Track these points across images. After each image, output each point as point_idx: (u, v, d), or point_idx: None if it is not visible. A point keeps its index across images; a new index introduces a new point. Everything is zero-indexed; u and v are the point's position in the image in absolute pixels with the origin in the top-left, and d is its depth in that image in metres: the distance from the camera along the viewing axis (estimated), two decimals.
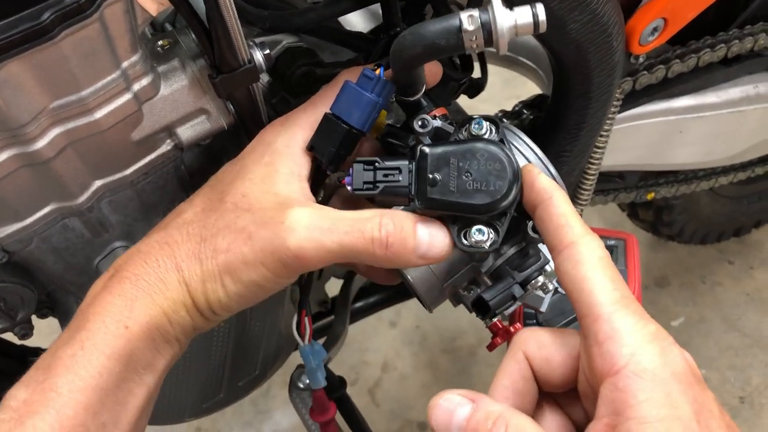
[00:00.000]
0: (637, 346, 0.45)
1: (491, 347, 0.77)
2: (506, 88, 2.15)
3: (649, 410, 0.43)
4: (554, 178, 0.63)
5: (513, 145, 0.63)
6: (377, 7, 0.88)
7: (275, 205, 0.56)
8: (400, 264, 0.56)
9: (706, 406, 0.45)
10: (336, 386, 0.86)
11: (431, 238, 0.55)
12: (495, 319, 0.76)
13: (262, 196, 0.57)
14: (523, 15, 0.52)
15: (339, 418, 0.88)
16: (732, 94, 1.05)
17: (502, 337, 0.76)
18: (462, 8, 0.84)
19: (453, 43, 0.52)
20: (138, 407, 0.55)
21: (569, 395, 0.53)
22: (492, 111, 1.15)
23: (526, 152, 0.63)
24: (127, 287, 0.55)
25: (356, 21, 0.95)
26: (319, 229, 0.53)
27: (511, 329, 0.76)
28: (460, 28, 0.52)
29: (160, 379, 0.57)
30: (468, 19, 0.51)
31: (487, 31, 0.51)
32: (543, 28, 0.52)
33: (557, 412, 0.54)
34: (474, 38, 0.52)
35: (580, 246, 0.50)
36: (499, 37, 0.51)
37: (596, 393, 0.47)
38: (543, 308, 0.68)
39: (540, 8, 0.52)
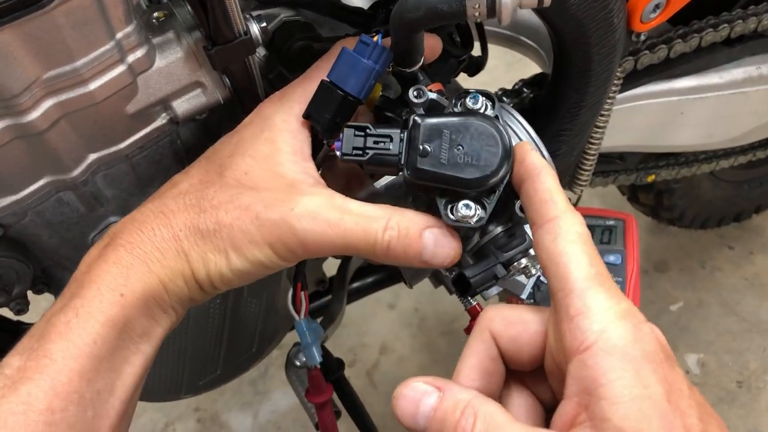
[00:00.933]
0: (607, 323, 0.45)
1: (468, 330, 0.76)
2: (509, 71, 2.13)
3: (621, 390, 0.42)
4: (544, 157, 0.63)
5: (507, 123, 0.62)
6: None
7: (283, 187, 0.55)
8: (399, 264, 0.56)
9: (675, 385, 0.44)
10: (334, 368, 0.86)
11: (436, 247, 0.55)
12: (474, 302, 0.76)
13: (266, 176, 0.56)
14: None
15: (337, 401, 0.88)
16: (735, 75, 1.04)
17: None
18: None
19: (455, 9, 0.52)
20: (133, 375, 0.55)
21: (535, 374, 0.52)
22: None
23: (519, 132, 0.62)
24: (123, 255, 0.54)
25: None
26: (326, 221, 0.53)
27: None
28: None
29: (156, 347, 0.57)
30: None
31: (491, 0, 0.51)
32: (548, 2, 0.51)
33: (524, 391, 0.53)
34: (477, 5, 0.51)
35: (560, 221, 0.49)
36: (502, 6, 0.51)
37: (563, 371, 0.46)
38: (524, 295, 0.67)
39: None
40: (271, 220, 0.54)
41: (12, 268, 0.72)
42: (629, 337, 0.44)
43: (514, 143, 0.54)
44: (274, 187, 0.56)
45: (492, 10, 0.51)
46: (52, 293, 0.82)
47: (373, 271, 1.12)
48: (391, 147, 0.54)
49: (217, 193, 0.56)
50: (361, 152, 0.55)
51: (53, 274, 0.79)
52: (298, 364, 0.86)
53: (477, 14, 0.52)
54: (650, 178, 1.24)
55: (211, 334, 0.80)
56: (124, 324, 0.53)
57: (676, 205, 1.61)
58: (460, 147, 0.53)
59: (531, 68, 1.06)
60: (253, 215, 0.54)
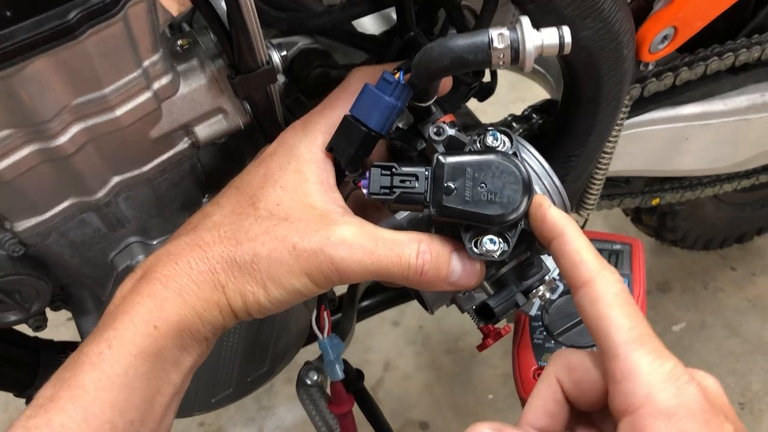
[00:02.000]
0: (652, 386, 0.46)
1: (482, 348, 0.78)
2: (512, 91, 2.16)
3: None
4: (558, 190, 0.65)
5: (521, 155, 0.64)
6: (388, 10, 0.89)
7: (315, 218, 0.57)
8: (427, 288, 0.58)
9: None
10: (354, 379, 0.87)
11: (464, 270, 0.57)
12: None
13: (297, 206, 0.58)
14: (549, 36, 0.53)
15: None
16: (739, 103, 1.06)
17: (493, 338, 0.78)
18: (474, 13, 0.86)
19: (481, 59, 0.54)
20: (165, 405, 0.55)
21: (603, 412, 0.53)
22: (498, 113, 1.16)
23: (532, 163, 0.64)
24: (158, 288, 0.55)
25: (366, 23, 0.97)
26: (362, 248, 0.55)
27: (502, 332, 0.77)
28: (489, 45, 0.53)
29: (188, 377, 0.58)
30: (498, 37, 0.53)
31: (515, 50, 0.53)
32: (568, 49, 0.53)
33: (592, 430, 0.54)
34: (502, 56, 0.53)
35: (596, 283, 0.51)
36: (526, 56, 0.53)
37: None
38: (532, 312, 0.69)
39: (566, 30, 0.53)
40: (309, 250, 0.55)
41: (32, 286, 0.74)
42: (674, 400, 0.46)
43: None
44: (306, 217, 0.57)
45: (515, 59, 0.53)
46: (69, 310, 0.84)
47: (383, 290, 1.13)
48: (416, 185, 0.56)
49: (253, 226, 0.57)
50: (388, 191, 0.56)
51: (71, 292, 0.81)
52: (309, 382, 0.87)
53: (501, 63, 0.54)
54: (655, 201, 1.26)
55: (226, 353, 0.82)
56: (156, 355, 0.54)
57: (679, 227, 1.63)
58: (483, 185, 0.54)
59: (534, 88, 1.08)
60: (290, 246, 0.55)
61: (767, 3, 1.04)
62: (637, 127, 1.00)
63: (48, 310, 0.81)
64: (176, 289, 0.55)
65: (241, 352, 0.83)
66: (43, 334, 0.86)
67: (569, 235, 0.53)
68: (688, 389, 0.46)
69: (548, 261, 0.64)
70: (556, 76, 1.07)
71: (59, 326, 0.84)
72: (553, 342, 0.84)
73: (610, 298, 0.50)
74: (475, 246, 0.56)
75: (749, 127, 1.09)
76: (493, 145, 0.57)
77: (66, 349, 0.93)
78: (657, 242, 1.77)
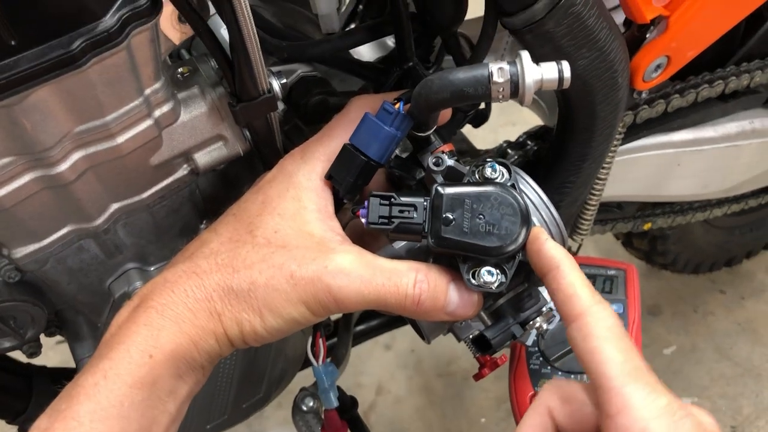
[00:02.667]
0: (647, 421, 0.46)
1: (478, 377, 0.78)
2: (502, 115, 2.18)
3: None
4: (555, 220, 0.65)
5: (518, 186, 0.65)
6: (385, 37, 0.90)
7: (313, 246, 0.57)
8: (424, 318, 0.58)
9: None
10: (348, 406, 0.87)
11: (461, 300, 0.57)
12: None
13: (295, 234, 0.58)
14: (549, 71, 0.54)
15: None
16: (729, 129, 1.07)
17: (489, 368, 0.78)
18: (469, 41, 0.87)
19: (481, 92, 0.54)
20: None
21: None
22: (488, 137, 1.17)
23: (530, 194, 0.64)
24: (154, 316, 0.55)
25: (363, 50, 0.97)
26: (360, 277, 0.55)
27: (498, 361, 0.77)
28: (489, 79, 0.54)
29: (184, 405, 0.57)
30: (498, 72, 0.53)
31: (515, 84, 0.54)
32: (567, 84, 0.54)
33: None
34: (501, 90, 0.54)
35: (589, 317, 0.51)
36: (526, 90, 0.53)
37: None
38: (529, 342, 0.69)
39: (565, 65, 0.54)
40: (306, 279, 0.55)
41: (27, 312, 0.73)
42: None
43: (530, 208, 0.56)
44: (304, 245, 0.57)
45: (515, 93, 0.54)
46: (64, 336, 0.83)
47: (377, 315, 1.13)
48: (415, 216, 0.56)
49: (250, 253, 0.57)
50: (386, 221, 0.57)
51: (66, 318, 0.80)
52: (305, 408, 0.87)
53: (501, 96, 0.54)
54: (647, 226, 1.27)
55: (222, 379, 0.81)
56: (152, 385, 0.53)
57: (670, 251, 1.64)
58: (482, 216, 0.55)
59: (523, 112, 1.09)
60: (288, 274, 0.55)
61: (756, 32, 1.06)
62: (630, 153, 1.01)
63: (41, 335, 0.80)
64: (172, 317, 0.55)
65: (237, 378, 0.82)
66: (36, 361, 0.85)
67: (564, 268, 0.54)
68: (684, 425, 0.47)
69: (545, 292, 0.64)
70: (550, 103, 1.08)
71: (48, 350, 0.83)
72: (549, 368, 0.84)
73: (603, 331, 0.50)
74: (473, 277, 0.56)
75: (739, 153, 1.11)
76: (492, 177, 0.57)
77: (59, 375, 0.92)
78: (647, 266, 1.78)
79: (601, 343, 0.50)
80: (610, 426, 0.47)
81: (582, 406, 0.52)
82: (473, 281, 0.56)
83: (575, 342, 0.51)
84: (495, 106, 0.89)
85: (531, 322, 0.60)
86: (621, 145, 0.97)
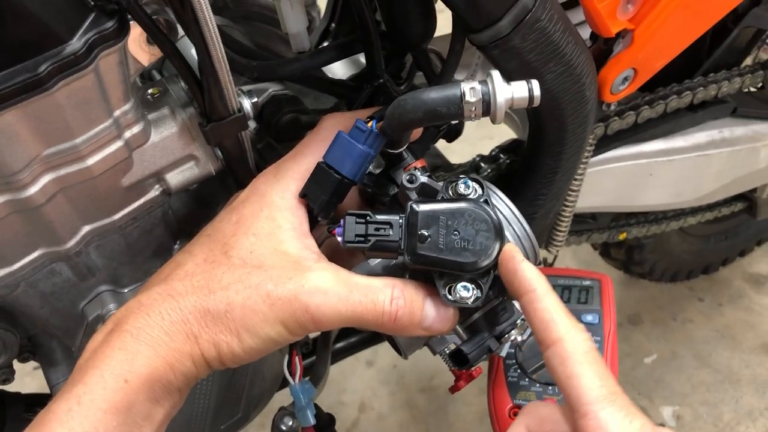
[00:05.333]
0: None
1: (454, 390, 0.78)
2: (479, 129, 2.19)
3: None
4: (528, 234, 0.66)
5: (491, 201, 0.65)
6: (358, 55, 0.91)
7: (289, 265, 0.57)
8: (401, 333, 0.59)
9: None
10: (325, 424, 0.86)
11: (437, 315, 0.58)
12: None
13: (271, 254, 0.58)
14: (519, 89, 0.55)
15: None
16: (699, 139, 1.09)
17: (465, 380, 0.78)
18: (440, 56, 0.88)
19: (453, 111, 0.55)
20: None
21: None
22: (466, 150, 1.18)
23: (502, 209, 0.65)
24: (128, 341, 0.54)
25: (335, 67, 0.98)
26: (337, 295, 0.55)
27: (473, 373, 0.78)
28: (461, 99, 0.55)
29: (160, 429, 0.56)
30: (470, 91, 0.54)
31: (486, 103, 0.55)
32: (537, 102, 0.55)
33: None
34: (474, 109, 0.55)
35: (566, 343, 0.52)
36: (497, 109, 0.55)
37: None
38: (503, 353, 0.70)
39: (535, 84, 0.55)
40: (283, 298, 0.55)
41: None
42: None
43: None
44: (280, 264, 0.57)
45: (487, 111, 0.55)
46: (37, 361, 0.82)
47: (356, 331, 1.13)
48: (391, 233, 0.57)
49: (226, 274, 0.57)
50: (363, 239, 0.57)
51: (40, 342, 0.79)
52: (284, 428, 0.86)
53: (473, 115, 0.55)
54: (622, 236, 1.29)
55: (199, 401, 0.81)
56: (126, 410, 0.53)
57: (647, 260, 1.65)
58: (456, 232, 0.55)
59: (500, 126, 1.10)
60: (264, 294, 0.55)
61: (721, 43, 1.08)
62: (602, 164, 1.02)
63: (15, 362, 0.79)
64: (148, 341, 0.54)
65: (214, 399, 0.82)
66: (9, 387, 0.84)
67: (539, 292, 0.54)
68: None
69: (518, 305, 0.65)
70: (522, 116, 1.09)
71: (24, 376, 0.82)
72: (527, 379, 0.84)
73: (580, 356, 0.51)
74: (449, 293, 0.56)
75: (710, 162, 1.13)
76: (465, 193, 0.58)
77: (33, 402, 0.91)
78: (626, 275, 1.80)
79: (578, 368, 0.51)
80: None
81: (558, 427, 0.53)
82: (449, 297, 0.56)
83: (553, 366, 0.52)
84: (470, 122, 0.90)
85: (506, 335, 0.61)
86: (592, 156, 0.98)
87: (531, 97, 0.55)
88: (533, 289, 0.54)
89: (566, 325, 0.53)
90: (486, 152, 0.98)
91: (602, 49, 0.82)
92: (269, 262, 0.57)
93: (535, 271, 0.55)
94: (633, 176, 1.07)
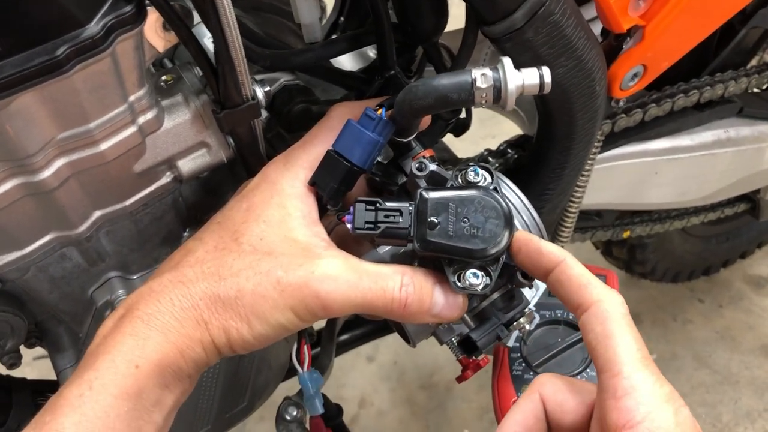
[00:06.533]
0: (654, 405, 0.48)
1: (461, 379, 0.79)
2: (482, 128, 2.20)
3: None
4: (536, 223, 0.66)
5: (501, 191, 0.66)
6: (364, 49, 0.91)
7: (298, 252, 0.57)
8: (411, 320, 0.59)
9: None
10: (334, 413, 0.87)
11: (447, 302, 0.58)
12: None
13: (281, 241, 0.58)
14: (530, 76, 0.55)
15: None
16: (704, 138, 1.09)
17: (473, 370, 0.78)
18: (450, 51, 0.88)
19: (465, 97, 0.55)
20: None
21: None
22: (469, 148, 1.18)
23: (511, 197, 0.65)
24: (139, 326, 0.54)
25: (344, 60, 0.98)
26: (347, 282, 0.55)
27: (481, 363, 0.78)
28: (472, 85, 0.55)
29: (170, 416, 0.57)
30: (481, 77, 0.54)
31: (497, 89, 0.54)
32: (548, 89, 0.55)
33: None
34: (484, 95, 0.55)
35: (605, 304, 0.52)
36: (508, 95, 0.54)
37: None
38: (510, 343, 0.70)
39: (546, 71, 0.55)
40: (293, 285, 0.55)
41: (7, 322, 0.73)
42: (672, 419, 0.48)
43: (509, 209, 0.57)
44: (289, 251, 0.57)
45: (498, 98, 0.55)
46: (44, 347, 0.82)
47: (360, 324, 1.14)
48: (400, 220, 0.57)
49: (236, 261, 0.57)
50: (372, 226, 0.57)
51: (47, 328, 0.80)
52: (288, 418, 0.86)
53: (484, 102, 0.55)
54: (625, 234, 1.29)
55: (205, 389, 0.81)
56: (137, 395, 0.53)
57: (649, 260, 1.66)
58: (466, 219, 0.55)
59: (503, 124, 1.10)
60: (275, 280, 0.55)
61: (728, 43, 1.09)
62: (608, 161, 1.02)
63: (21, 346, 0.79)
64: (158, 327, 0.55)
65: (220, 387, 0.82)
66: (16, 373, 0.84)
67: (569, 261, 0.55)
68: (684, 412, 0.49)
69: (527, 293, 0.65)
70: (529, 112, 1.09)
71: (24, 366, 0.82)
72: (532, 373, 0.85)
73: (619, 318, 0.52)
74: (459, 280, 0.56)
75: (715, 162, 1.13)
76: (475, 181, 0.58)
77: (40, 387, 0.91)
78: (627, 275, 1.80)
79: (617, 329, 0.51)
80: (614, 407, 0.49)
81: (574, 396, 0.54)
82: (459, 284, 0.56)
83: (590, 327, 0.52)
84: (474, 119, 0.90)
85: (515, 323, 0.61)
86: (599, 153, 0.98)
87: (542, 84, 0.55)
88: (562, 259, 0.55)
89: (603, 288, 0.53)
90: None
91: (613, 45, 0.82)
92: (279, 249, 0.58)
93: (556, 246, 0.56)
94: (638, 174, 1.08)
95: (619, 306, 0.52)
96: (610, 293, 0.53)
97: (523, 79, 0.55)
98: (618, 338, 0.51)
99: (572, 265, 0.55)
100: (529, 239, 0.57)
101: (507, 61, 0.55)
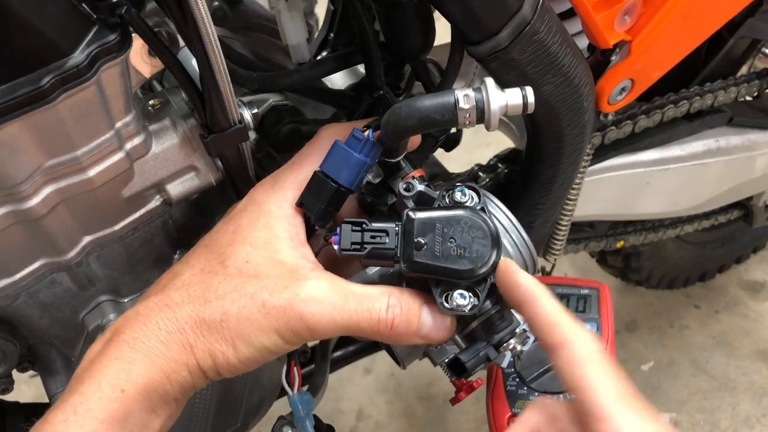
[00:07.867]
0: None
1: (455, 401, 0.78)
2: (476, 137, 2.20)
3: None
4: (525, 242, 0.66)
5: (488, 209, 0.66)
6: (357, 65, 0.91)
7: (284, 274, 0.57)
8: (399, 342, 0.58)
9: None
10: None
11: (434, 323, 0.58)
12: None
13: (266, 263, 0.58)
14: (513, 96, 0.55)
15: None
16: (695, 148, 1.10)
17: (466, 391, 0.78)
18: (439, 67, 0.89)
19: (448, 118, 0.55)
20: None
21: None
22: (463, 157, 1.18)
23: (499, 217, 0.65)
24: (125, 350, 0.54)
25: (335, 77, 0.99)
26: (332, 304, 0.55)
27: (474, 384, 0.78)
28: (455, 106, 0.55)
29: None
30: (464, 98, 0.54)
31: (480, 109, 0.55)
32: (531, 109, 0.55)
33: None
34: (468, 115, 0.55)
35: (575, 344, 0.51)
36: (491, 116, 0.55)
37: None
38: (504, 364, 0.70)
39: (529, 91, 0.55)
40: (278, 307, 0.55)
41: None
42: None
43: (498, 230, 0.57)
44: (275, 273, 0.57)
45: (481, 118, 0.55)
46: (36, 371, 0.82)
47: (355, 340, 1.13)
48: (387, 241, 0.57)
49: (222, 284, 0.57)
50: (359, 247, 0.57)
51: (39, 352, 0.79)
52: None
53: (468, 122, 0.55)
54: (619, 244, 1.29)
55: (198, 410, 0.81)
56: (123, 420, 0.53)
57: (644, 267, 1.66)
58: (453, 240, 0.55)
59: (497, 133, 1.10)
60: (260, 303, 0.55)
61: (717, 53, 1.09)
62: (599, 173, 1.03)
63: (14, 371, 0.79)
64: (144, 350, 0.55)
65: (213, 408, 0.82)
66: (8, 397, 0.84)
67: (541, 299, 0.54)
68: None
69: (517, 314, 0.65)
70: (520, 125, 1.09)
71: (21, 384, 0.82)
72: (526, 388, 0.85)
73: (590, 356, 0.51)
74: (446, 300, 0.56)
75: (706, 171, 1.13)
76: (462, 201, 0.58)
77: (32, 412, 0.90)
78: (623, 283, 1.80)
79: (589, 369, 0.50)
80: None
81: (569, 424, 0.52)
82: (446, 305, 0.56)
83: (562, 369, 0.52)
84: (467, 131, 0.90)
85: (505, 344, 0.61)
86: (590, 165, 0.98)
87: (525, 104, 0.55)
88: (534, 296, 0.54)
89: (572, 327, 0.52)
90: (483, 159, 0.98)
91: (600, 60, 0.82)
92: (265, 271, 0.58)
93: (533, 280, 0.55)
94: (630, 185, 1.08)
95: (589, 343, 0.51)
96: (579, 331, 0.52)
97: (507, 99, 0.55)
98: (593, 378, 0.50)
99: (542, 303, 0.54)
100: (507, 270, 0.56)
101: (490, 82, 0.55)
